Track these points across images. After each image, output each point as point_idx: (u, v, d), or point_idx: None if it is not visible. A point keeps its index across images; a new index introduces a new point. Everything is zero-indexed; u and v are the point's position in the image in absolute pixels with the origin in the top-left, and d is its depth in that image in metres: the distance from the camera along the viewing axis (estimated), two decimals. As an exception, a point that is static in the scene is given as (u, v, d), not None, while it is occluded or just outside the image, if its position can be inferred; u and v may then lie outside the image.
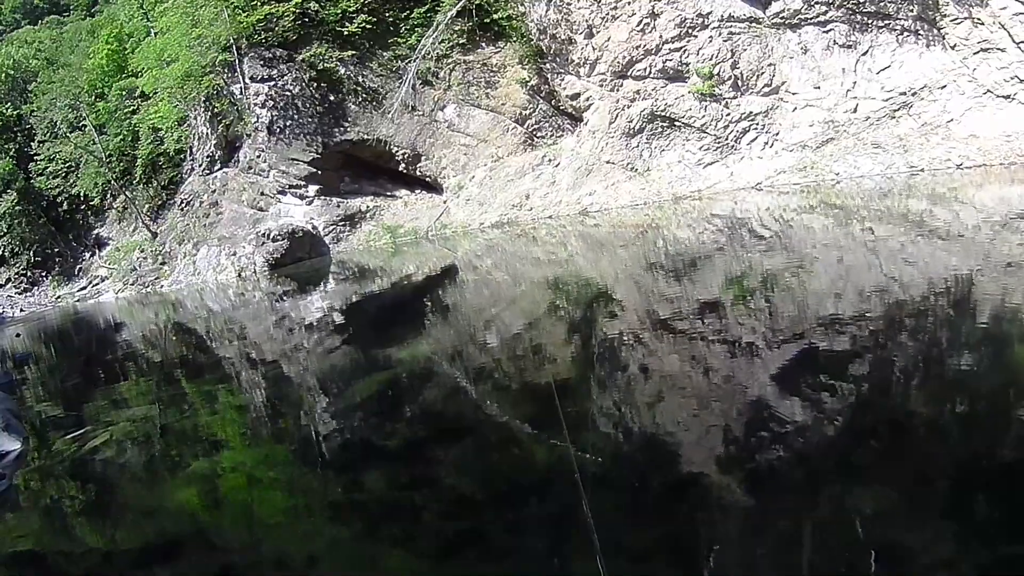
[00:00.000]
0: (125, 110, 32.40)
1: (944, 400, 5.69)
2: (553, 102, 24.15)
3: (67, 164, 34.05)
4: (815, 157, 17.83)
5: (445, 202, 25.75)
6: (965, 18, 16.16)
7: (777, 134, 19.24)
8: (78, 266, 33.88)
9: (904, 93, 17.17)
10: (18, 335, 23.85)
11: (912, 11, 17.09)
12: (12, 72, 36.97)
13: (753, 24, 19.44)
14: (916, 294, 8.08)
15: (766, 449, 5.48)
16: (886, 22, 17.60)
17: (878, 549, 3.99)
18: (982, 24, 15.86)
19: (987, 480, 4.52)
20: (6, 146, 35.16)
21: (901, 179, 14.69)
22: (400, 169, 26.96)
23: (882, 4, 17.45)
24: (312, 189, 27.28)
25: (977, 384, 5.75)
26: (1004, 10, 15.45)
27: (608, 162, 21.84)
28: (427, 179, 26.73)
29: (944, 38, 16.65)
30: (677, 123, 20.73)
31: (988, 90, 15.68)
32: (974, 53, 16.03)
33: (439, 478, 6.73)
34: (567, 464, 6.25)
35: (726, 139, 19.98)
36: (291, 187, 27.49)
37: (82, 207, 34.25)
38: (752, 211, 16.34)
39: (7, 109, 35.89)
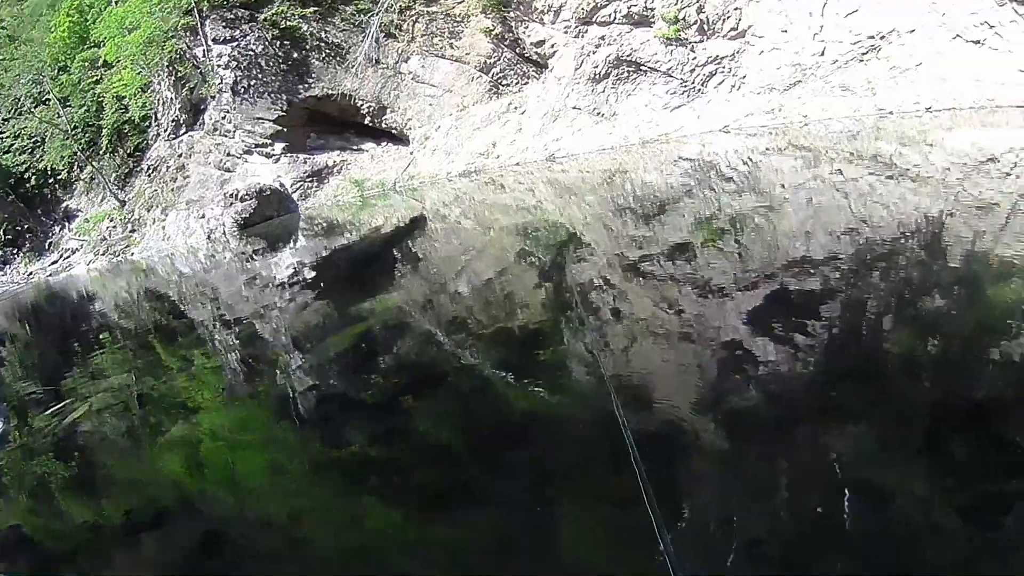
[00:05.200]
0: (88, 80, 31.78)
1: (917, 340, 5.75)
2: (518, 50, 23.83)
3: (33, 139, 33.62)
4: (783, 99, 17.75)
5: (412, 153, 25.47)
6: (934, -41, 16.02)
7: (744, 77, 19.10)
8: (48, 241, 33.36)
9: (872, 37, 17.00)
10: None
11: (880, -48, 16.92)
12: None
13: (718, -34, 19.20)
14: (887, 235, 8.10)
15: (743, 392, 5.54)
16: (854, -37, 17.41)
17: (854, 489, 4.06)
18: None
19: (961, 420, 4.59)
20: (-30, 127, 34.37)
21: (870, 121, 14.65)
22: (366, 122, 26.60)
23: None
24: (278, 147, 26.90)
25: (950, 324, 5.81)
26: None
27: (574, 108, 21.64)
28: (393, 131, 26.41)
29: (913, -21, 16.49)
30: (643, 68, 20.54)
31: (958, 34, 15.53)
32: (944, -3, 15.90)
33: (417, 429, 6.77)
34: (545, 410, 6.31)
35: (692, 83, 19.84)
36: (257, 146, 27.09)
37: (50, 181, 33.70)
38: (720, 153, 16.31)
39: (-31, 89, 34.98)
